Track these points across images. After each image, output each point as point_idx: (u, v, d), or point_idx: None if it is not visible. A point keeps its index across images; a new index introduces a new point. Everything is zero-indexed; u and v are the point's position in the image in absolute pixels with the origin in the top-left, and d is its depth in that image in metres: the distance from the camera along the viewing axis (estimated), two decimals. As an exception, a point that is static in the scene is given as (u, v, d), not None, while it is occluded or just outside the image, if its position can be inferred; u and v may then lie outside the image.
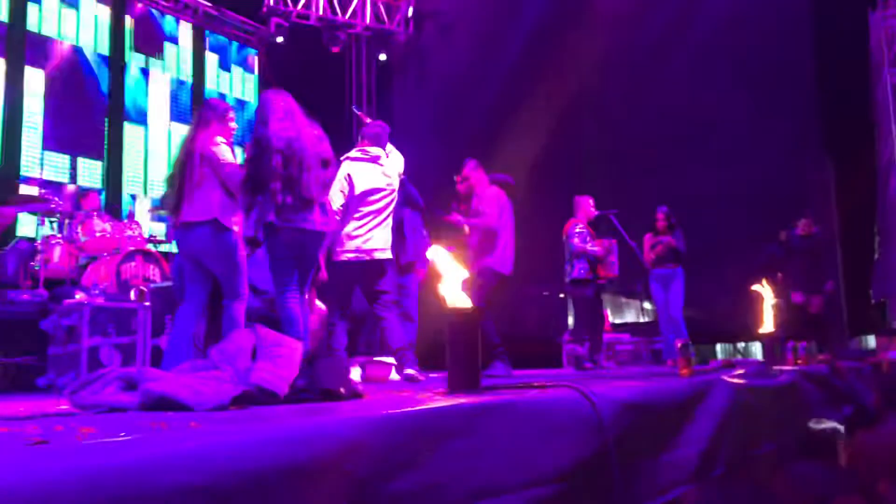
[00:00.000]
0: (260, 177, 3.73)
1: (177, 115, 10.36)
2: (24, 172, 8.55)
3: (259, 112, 3.98)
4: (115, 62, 9.74)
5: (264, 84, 11.28)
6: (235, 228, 3.90)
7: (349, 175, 4.65)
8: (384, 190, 4.71)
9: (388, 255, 4.70)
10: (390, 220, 4.79)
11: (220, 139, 3.92)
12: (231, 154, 3.93)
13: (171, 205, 3.90)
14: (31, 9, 8.93)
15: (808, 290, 7.24)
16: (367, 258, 4.60)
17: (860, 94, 8.82)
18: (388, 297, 4.69)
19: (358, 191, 4.64)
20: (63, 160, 8.97)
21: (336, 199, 4.56)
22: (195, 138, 3.91)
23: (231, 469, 1.23)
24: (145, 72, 10.16)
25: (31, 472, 1.02)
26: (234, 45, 11.50)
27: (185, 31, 10.77)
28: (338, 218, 4.58)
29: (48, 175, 8.77)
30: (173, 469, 1.15)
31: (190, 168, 3.82)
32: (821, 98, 8.96)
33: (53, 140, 8.89)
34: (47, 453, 1.16)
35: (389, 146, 4.96)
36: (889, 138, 8.40)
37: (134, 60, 10.02)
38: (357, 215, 4.63)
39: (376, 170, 4.73)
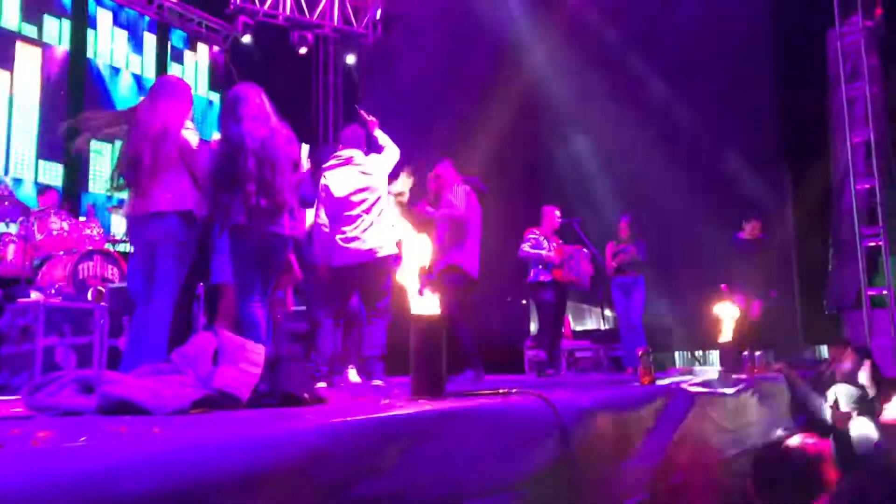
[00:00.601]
0: (235, 176, 3.61)
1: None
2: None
3: (231, 106, 3.78)
4: (78, 58, 9.56)
5: (229, 83, 11.15)
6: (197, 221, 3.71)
7: (325, 186, 4.67)
8: (366, 189, 4.68)
9: (388, 251, 4.64)
10: (384, 217, 4.75)
11: (189, 123, 3.74)
12: (196, 137, 3.73)
13: (135, 187, 3.59)
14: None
15: (748, 295, 7.31)
16: (367, 259, 4.57)
17: (818, 108, 9.03)
18: (384, 301, 4.66)
19: (337, 196, 4.63)
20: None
21: (320, 210, 4.57)
22: (163, 113, 3.64)
23: (193, 476, 1.22)
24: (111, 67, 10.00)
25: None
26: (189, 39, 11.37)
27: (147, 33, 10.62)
28: (325, 229, 4.58)
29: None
30: (134, 476, 1.13)
31: (157, 151, 3.55)
32: (780, 111, 9.16)
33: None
34: (3, 458, 1.14)
35: (384, 137, 4.95)
36: (844, 151, 8.60)
37: (100, 58, 9.86)
38: (344, 220, 4.61)
39: (352, 171, 4.70)
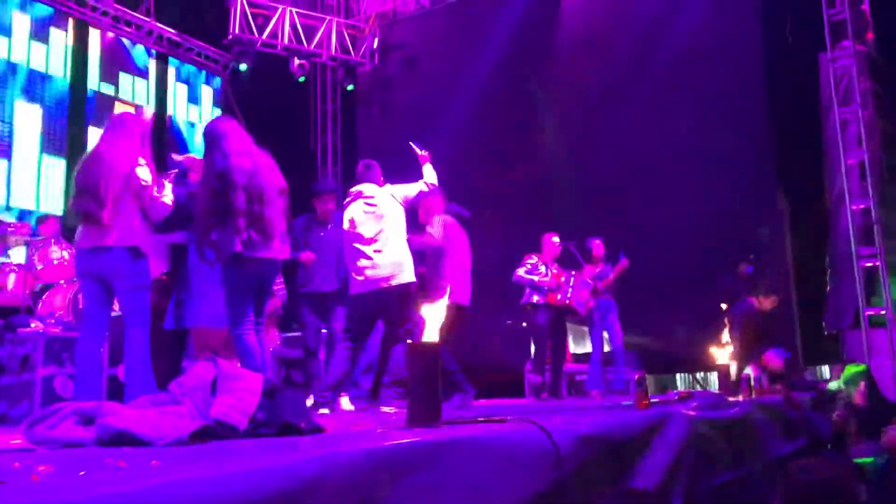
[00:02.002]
0: (226, 212, 3.70)
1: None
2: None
3: (216, 144, 3.86)
4: (77, 89, 9.66)
5: (228, 112, 11.26)
6: (150, 254, 3.83)
7: (348, 219, 4.87)
8: (372, 220, 4.82)
9: (404, 279, 4.74)
10: (396, 245, 4.82)
11: (142, 160, 3.82)
12: (151, 175, 3.83)
13: (85, 220, 3.71)
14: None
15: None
16: (380, 287, 4.66)
17: (812, 132, 9.11)
18: (405, 327, 4.72)
19: (347, 230, 4.86)
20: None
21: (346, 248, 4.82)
22: (113, 151, 3.76)
23: (190, 508, 1.24)
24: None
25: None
26: (203, 73, 11.50)
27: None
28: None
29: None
30: (132, 509, 1.15)
31: (108, 185, 3.65)
32: (774, 135, 9.24)
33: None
34: (5, 495, 1.16)
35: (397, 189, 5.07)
36: (839, 174, 8.67)
37: (102, 88, 9.98)
38: (359, 252, 4.77)
39: (359, 204, 4.87)
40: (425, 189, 5.07)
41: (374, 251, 4.73)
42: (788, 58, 8.86)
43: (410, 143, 5.38)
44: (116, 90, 10.27)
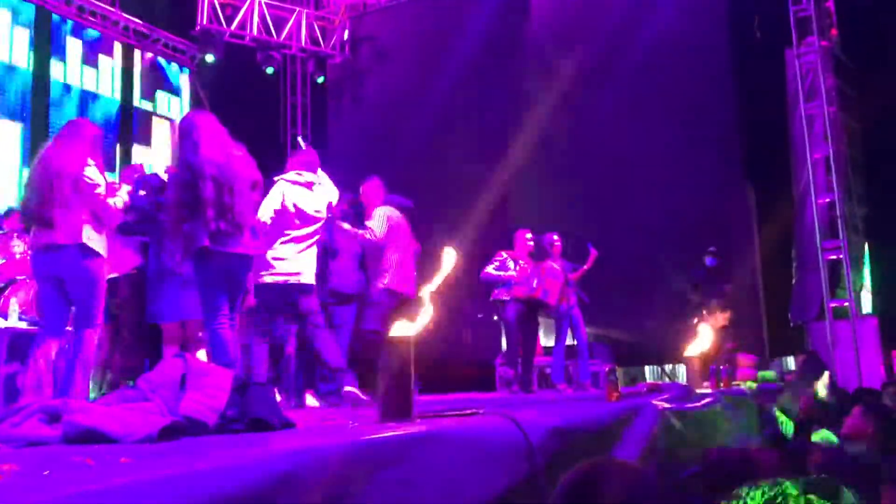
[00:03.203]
0: (195, 203, 3.67)
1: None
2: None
3: (187, 135, 3.87)
4: (39, 78, 9.47)
5: (196, 104, 11.12)
6: (102, 254, 3.81)
7: (283, 195, 4.66)
8: (314, 217, 4.75)
9: (306, 279, 4.71)
10: (315, 248, 4.82)
11: (91, 161, 3.84)
12: (101, 177, 3.85)
13: (36, 221, 3.75)
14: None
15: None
16: (293, 282, 4.61)
17: (778, 127, 9.24)
18: (316, 317, 4.70)
19: (287, 210, 4.68)
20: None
21: (266, 217, 4.57)
22: (63, 154, 3.78)
23: (161, 506, 1.22)
24: (68, 88, 9.91)
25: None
26: (170, 64, 11.34)
27: (115, 49, 10.58)
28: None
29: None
30: (101, 508, 1.14)
31: (57, 186, 3.68)
32: (742, 130, 9.36)
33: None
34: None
35: (325, 177, 4.99)
36: (805, 168, 8.82)
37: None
38: (284, 239, 4.64)
39: (309, 195, 4.77)
40: (333, 204, 5.09)
41: (306, 248, 4.72)
42: (756, 53, 8.98)
43: (299, 138, 5.39)
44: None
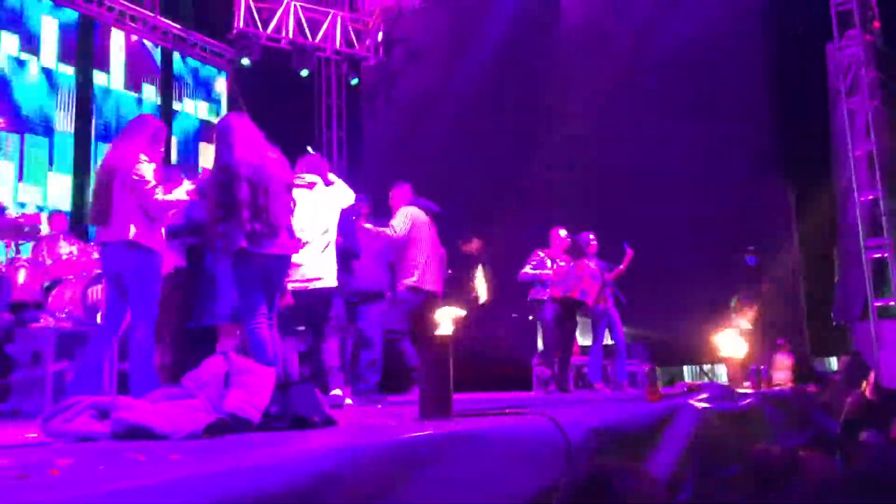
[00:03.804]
0: (231, 204, 3.72)
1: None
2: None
3: (222, 137, 3.91)
4: (83, 82, 9.69)
5: (233, 107, 11.27)
6: (154, 249, 3.84)
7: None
8: (321, 218, 4.71)
9: (327, 283, 4.68)
10: (331, 249, 4.77)
11: (143, 157, 3.86)
12: (152, 173, 3.86)
13: (93, 218, 3.87)
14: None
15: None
16: (308, 288, 4.61)
17: (819, 123, 9.06)
18: (330, 324, 4.72)
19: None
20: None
21: None
22: (118, 151, 3.86)
23: (211, 501, 1.25)
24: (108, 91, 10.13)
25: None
26: (205, 67, 11.52)
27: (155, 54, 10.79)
28: None
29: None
30: (154, 502, 1.17)
31: (109, 183, 3.77)
32: (780, 126, 9.20)
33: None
34: (26, 490, 1.17)
35: (338, 180, 5.00)
36: (847, 164, 8.63)
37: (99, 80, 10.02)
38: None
39: (309, 196, 4.71)
40: (351, 200, 5.02)
41: (315, 250, 4.65)
42: (795, 48, 8.82)
43: (308, 147, 5.35)
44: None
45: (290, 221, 4.05)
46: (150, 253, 3.83)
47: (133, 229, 3.76)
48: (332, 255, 4.78)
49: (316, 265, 4.64)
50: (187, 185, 4.03)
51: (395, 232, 5.50)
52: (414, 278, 5.49)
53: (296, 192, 4.68)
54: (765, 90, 9.19)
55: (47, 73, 9.42)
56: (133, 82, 10.42)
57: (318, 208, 4.72)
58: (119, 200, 3.76)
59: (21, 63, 9.12)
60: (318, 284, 4.64)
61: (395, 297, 5.53)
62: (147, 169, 3.84)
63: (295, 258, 4.53)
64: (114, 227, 3.76)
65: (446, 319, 2.48)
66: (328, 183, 4.90)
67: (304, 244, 4.54)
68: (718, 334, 5.64)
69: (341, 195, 4.94)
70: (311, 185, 4.76)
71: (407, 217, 5.61)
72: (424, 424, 2.21)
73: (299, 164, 4.88)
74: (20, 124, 8.97)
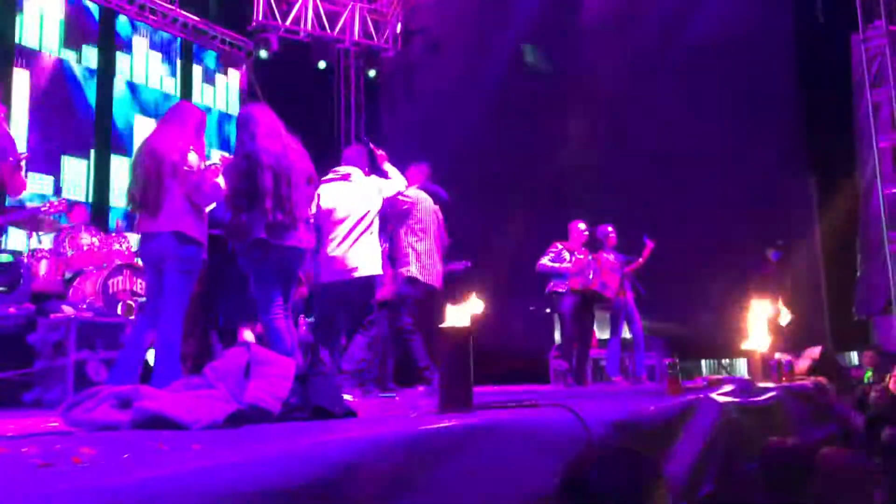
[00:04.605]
0: (253, 193, 3.71)
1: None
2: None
3: (245, 127, 3.89)
4: (103, 74, 9.74)
5: (252, 99, 11.29)
6: (201, 241, 3.80)
7: (318, 195, 4.71)
8: (357, 207, 4.73)
9: (369, 271, 4.68)
10: (373, 239, 4.78)
11: (191, 148, 3.82)
12: (200, 165, 3.83)
13: (140, 208, 3.72)
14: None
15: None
16: (347, 278, 4.62)
17: (843, 114, 8.96)
18: (368, 318, 4.72)
19: (325, 209, 4.69)
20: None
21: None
22: (165, 139, 3.77)
23: (232, 491, 1.25)
24: (131, 85, 10.19)
25: (37, 497, 1.03)
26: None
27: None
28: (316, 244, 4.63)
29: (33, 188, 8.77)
30: (177, 491, 1.16)
31: (159, 173, 3.68)
32: (804, 117, 9.09)
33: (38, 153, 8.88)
34: (51, 477, 1.17)
35: (393, 169, 5.00)
36: (871, 157, 8.53)
37: (120, 73, 10.04)
38: (332, 235, 4.67)
39: (347, 188, 4.75)
40: (399, 187, 5.02)
41: (355, 240, 4.67)
42: (820, 39, 8.71)
43: (366, 138, 5.28)
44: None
45: (308, 214, 4.04)
46: (198, 246, 3.78)
47: (183, 221, 3.71)
48: (373, 244, 4.78)
49: (355, 255, 4.66)
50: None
51: (408, 197, 5.27)
52: (411, 268, 5.25)
53: (333, 185, 4.72)
54: (789, 81, 9.09)
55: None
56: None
57: (355, 198, 4.73)
58: (168, 190, 3.68)
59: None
60: (357, 273, 4.64)
61: (397, 290, 5.33)
62: (196, 159, 3.80)
63: (334, 250, 4.57)
64: (162, 218, 3.68)
65: (464, 314, 2.46)
66: (368, 173, 4.90)
67: (326, 242, 4.56)
68: (753, 305, 5.56)
69: (385, 185, 4.93)
70: (346, 177, 4.78)
71: (413, 195, 5.38)
72: (445, 416, 2.20)
73: (343, 155, 4.91)
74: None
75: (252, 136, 3.81)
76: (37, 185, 8.78)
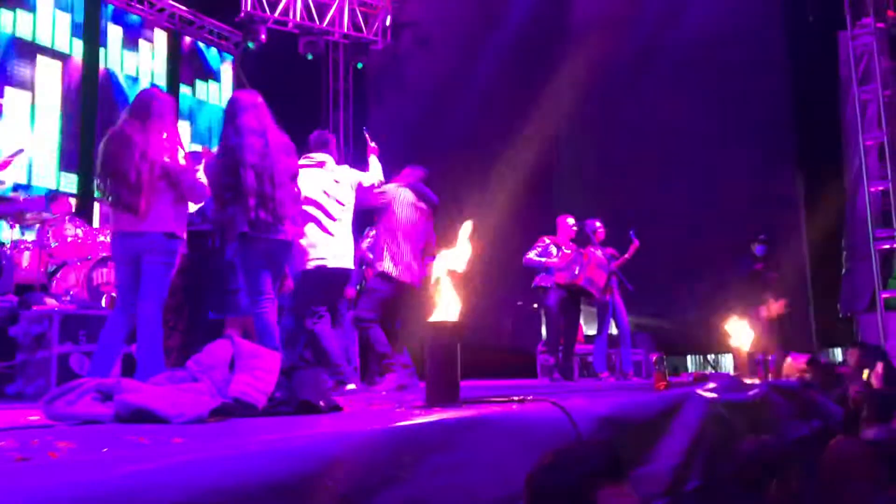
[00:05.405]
0: (237, 189, 3.65)
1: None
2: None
3: (231, 117, 3.80)
4: (88, 65, 9.65)
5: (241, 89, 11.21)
6: (182, 235, 3.75)
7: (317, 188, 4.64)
8: (332, 196, 4.66)
9: (343, 263, 4.64)
10: (345, 229, 4.71)
11: (180, 147, 3.77)
12: (185, 160, 3.75)
13: (123, 206, 3.56)
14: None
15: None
16: (327, 268, 4.58)
17: (830, 112, 9.00)
18: (342, 307, 4.69)
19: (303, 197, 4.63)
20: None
21: None
22: (152, 140, 3.62)
23: (214, 486, 1.22)
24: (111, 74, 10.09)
25: (13, 491, 1.01)
26: (211, 50, 11.45)
27: (159, 36, 10.71)
28: None
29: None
30: (156, 486, 1.14)
31: (149, 173, 3.55)
32: (792, 115, 9.13)
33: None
34: (25, 472, 1.14)
35: (374, 160, 4.96)
36: (857, 155, 8.57)
37: (110, 64, 9.95)
38: (308, 223, 4.61)
39: (323, 175, 4.66)
40: (376, 184, 4.94)
41: (330, 230, 4.59)
42: (809, 36, 8.74)
43: (364, 129, 5.22)
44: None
45: (297, 211, 3.97)
46: (181, 240, 3.74)
47: (171, 220, 3.64)
48: (349, 234, 4.74)
49: (335, 244, 4.60)
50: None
51: (385, 192, 5.12)
52: (383, 263, 5.07)
53: (308, 172, 4.63)
54: (777, 79, 9.13)
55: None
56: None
57: (331, 186, 4.67)
58: (158, 191, 3.59)
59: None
60: (334, 264, 4.60)
61: (364, 283, 5.30)
62: (182, 156, 3.73)
63: (313, 238, 4.50)
64: (150, 218, 3.58)
65: (442, 270, 2.44)
66: (340, 162, 4.86)
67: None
68: (729, 322, 5.58)
69: (363, 177, 4.87)
70: (321, 164, 4.70)
71: (393, 191, 5.19)
72: (432, 410, 2.18)
73: (308, 141, 4.82)
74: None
75: (237, 130, 3.72)
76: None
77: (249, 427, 1.91)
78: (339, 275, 4.69)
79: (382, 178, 5.05)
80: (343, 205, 4.72)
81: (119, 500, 1.08)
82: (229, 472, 1.28)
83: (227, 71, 11.66)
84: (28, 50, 9.01)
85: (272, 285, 3.91)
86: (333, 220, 4.63)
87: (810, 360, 5.80)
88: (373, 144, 5.16)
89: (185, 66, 11.04)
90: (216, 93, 11.40)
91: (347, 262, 4.69)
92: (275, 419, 2.17)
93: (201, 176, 3.82)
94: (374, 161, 5.09)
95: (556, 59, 10.43)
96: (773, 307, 7.49)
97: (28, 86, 8.96)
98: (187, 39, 11.09)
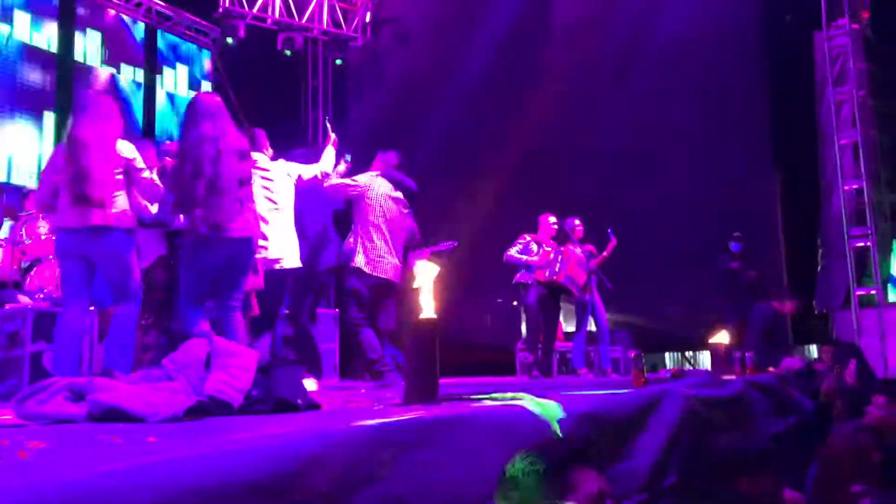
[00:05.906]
0: (188, 193, 3.63)
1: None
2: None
3: (187, 122, 3.78)
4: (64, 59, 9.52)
5: (218, 86, 11.12)
6: (134, 228, 3.82)
7: None
8: (264, 195, 4.60)
9: (286, 264, 4.63)
10: (286, 226, 4.69)
11: (127, 143, 3.84)
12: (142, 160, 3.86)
13: (82, 201, 3.60)
14: None
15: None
16: (272, 268, 4.57)
17: (806, 112, 9.09)
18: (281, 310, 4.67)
19: None
20: None
21: None
22: (108, 138, 3.71)
23: (191, 486, 1.20)
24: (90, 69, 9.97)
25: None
26: (188, 45, 11.34)
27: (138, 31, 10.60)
28: None
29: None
30: (130, 486, 1.12)
31: (110, 170, 3.65)
32: (770, 114, 9.22)
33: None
34: (-4, 471, 1.12)
35: (329, 153, 4.92)
36: (832, 154, 8.67)
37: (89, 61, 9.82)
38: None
39: (258, 174, 4.53)
40: (319, 176, 4.86)
41: (266, 230, 4.51)
42: (785, 37, 8.83)
43: (326, 118, 5.17)
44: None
45: (250, 205, 3.90)
46: (134, 235, 3.79)
47: (129, 216, 3.74)
48: (289, 232, 4.68)
49: (276, 245, 4.56)
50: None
51: (356, 182, 4.97)
52: (357, 258, 4.85)
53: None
54: (755, 79, 9.21)
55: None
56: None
57: (260, 183, 4.55)
58: (119, 188, 3.70)
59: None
60: (281, 265, 4.59)
61: (345, 284, 5.02)
62: (137, 154, 3.81)
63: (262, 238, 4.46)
64: (112, 214, 3.65)
65: (425, 273, 2.43)
66: (274, 158, 4.81)
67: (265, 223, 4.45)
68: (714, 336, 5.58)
69: (294, 169, 4.81)
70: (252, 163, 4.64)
71: (365, 181, 5.00)
72: (410, 408, 2.17)
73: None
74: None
75: (186, 135, 3.72)
76: None
77: (225, 426, 1.89)
78: (277, 273, 4.64)
79: (328, 171, 4.96)
80: (275, 203, 4.66)
81: (92, 500, 1.06)
82: (205, 472, 1.26)
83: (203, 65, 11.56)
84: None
85: (236, 286, 3.87)
86: (266, 222, 4.51)
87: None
88: (333, 136, 5.11)
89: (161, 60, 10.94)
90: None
91: (291, 260, 4.65)
92: (251, 418, 2.14)
93: (156, 176, 3.89)
94: (328, 151, 5.03)
95: (537, 56, 10.46)
96: (787, 304, 7.61)
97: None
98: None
